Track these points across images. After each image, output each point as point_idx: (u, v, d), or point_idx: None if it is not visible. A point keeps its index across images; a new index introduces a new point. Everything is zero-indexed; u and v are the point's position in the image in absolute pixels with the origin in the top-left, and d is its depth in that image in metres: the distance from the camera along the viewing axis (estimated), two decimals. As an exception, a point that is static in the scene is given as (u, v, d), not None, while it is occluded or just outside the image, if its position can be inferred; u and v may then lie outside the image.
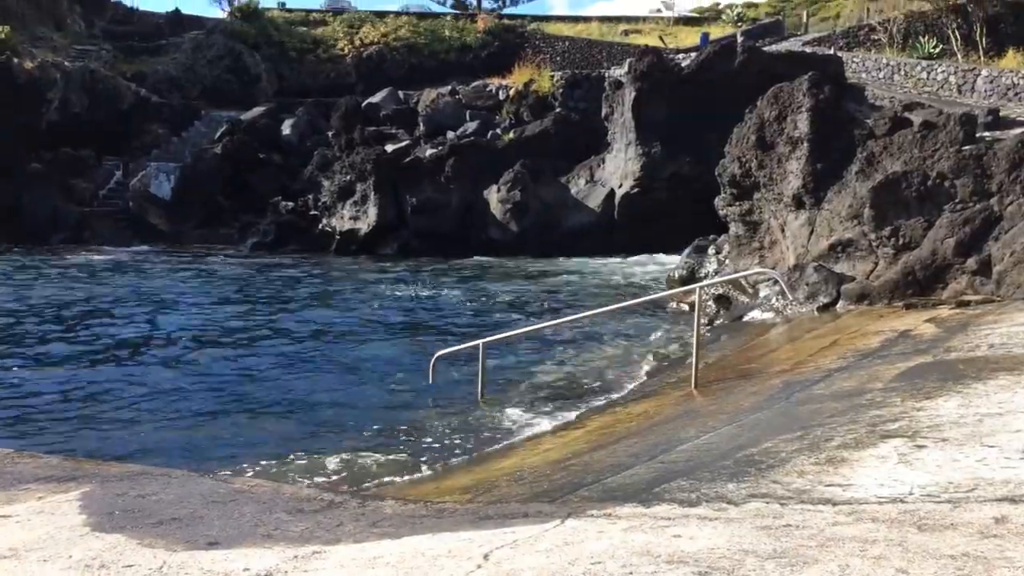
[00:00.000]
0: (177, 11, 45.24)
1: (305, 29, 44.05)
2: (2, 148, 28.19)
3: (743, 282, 13.46)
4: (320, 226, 27.80)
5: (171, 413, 9.55)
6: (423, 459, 7.78)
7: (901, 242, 11.66)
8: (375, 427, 8.88)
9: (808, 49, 29.88)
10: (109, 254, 25.30)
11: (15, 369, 11.50)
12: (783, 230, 14.04)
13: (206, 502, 4.21)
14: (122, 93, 33.57)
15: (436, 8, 53.22)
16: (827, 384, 7.09)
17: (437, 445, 8.22)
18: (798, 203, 13.51)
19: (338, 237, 26.91)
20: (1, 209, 27.62)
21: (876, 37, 31.45)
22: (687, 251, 17.44)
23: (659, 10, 51.09)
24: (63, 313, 15.58)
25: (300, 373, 11.51)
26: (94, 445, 8.29)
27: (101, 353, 12.58)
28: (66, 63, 32.48)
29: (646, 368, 11.33)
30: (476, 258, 23.82)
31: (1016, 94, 22.99)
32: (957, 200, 11.26)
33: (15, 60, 29.79)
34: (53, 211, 28.41)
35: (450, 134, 28.65)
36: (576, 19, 48.99)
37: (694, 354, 8.92)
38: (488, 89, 30.28)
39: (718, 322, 13.37)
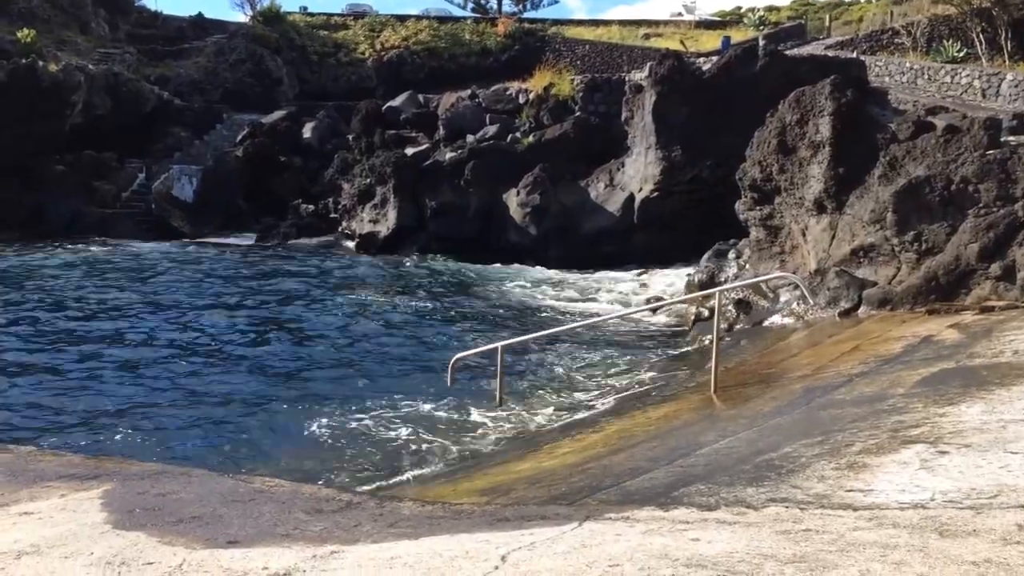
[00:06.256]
0: (200, 15, 45.66)
1: (326, 33, 44.27)
2: (26, 150, 28.50)
3: (763, 287, 13.39)
4: (340, 229, 28.03)
5: (191, 412, 9.62)
6: (441, 461, 7.80)
7: (924, 247, 11.55)
8: (394, 429, 8.90)
9: (831, 53, 29.69)
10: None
11: (37, 368, 11.61)
12: (804, 235, 13.95)
13: (226, 501, 4.24)
14: (145, 96, 33.88)
15: (456, 12, 53.39)
16: (848, 389, 7.04)
17: (455, 447, 8.24)
18: (820, 207, 13.43)
19: (357, 240, 27.08)
20: (24, 210, 27.93)
21: (899, 41, 31.22)
22: (707, 255, 17.38)
23: (680, 14, 50.91)
24: (81, 311, 15.71)
25: (317, 374, 11.57)
26: (115, 443, 8.36)
27: (121, 352, 12.67)
28: (90, 66, 32.78)
29: (665, 372, 11.29)
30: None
31: (1041, 98, 22.75)
32: (981, 205, 11.15)
33: (40, 63, 30.09)
34: (76, 213, 28.68)
35: (470, 137, 28.68)
36: (596, 23, 48.93)
37: (713, 358, 8.88)
38: (508, 93, 30.24)
39: (738, 327, 13.31)
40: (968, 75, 25.60)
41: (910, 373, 7.09)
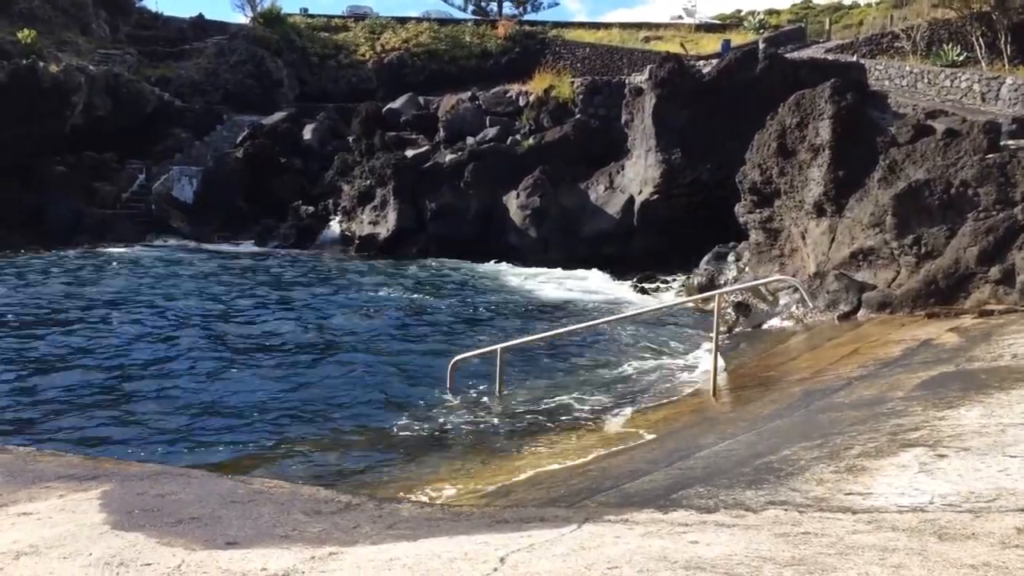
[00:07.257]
0: (201, 16, 45.71)
1: (327, 35, 44.32)
2: (26, 151, 28.51)
3: (763, 290, 13.40)
4: (340, 231, 28.10)
5: (191, 414, 9.61)
6: (440, 463, 7.78)
7: (923, 250, 11.56)
8: (393, 430, 8.89)
9: (830, 56, 29.71)
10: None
11: (36, 367, 11.60)
12: (804, 238, 13.96)
13: (225, 502, 4.24)
14: (146, 97, 33.91)
15: (457, 14, 53.51)
16: (847, 392, 7.04)
17: (454, 449, 8.23)
18: (819, 210, 13.44)
19: (357, 241, 27.14)
20: (25, 211, 27.93)
21: (899, 44, 31.26)
22: (707, 258, 17.38)
23: (680, 17, 50.95)
24: (81, 311, 15.70)
25: (318, 376, 11.54)
26: (115, 444, 8.35)
27: (122, 351, 12.66)
28: (90, 67, 32.80)
29: (664, 375, 11.29)
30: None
31: (1041, 102, 22.78)
32: (980, 208, 11.16)
33: (40, 64, 30.10)
34: (76, 214, 28.69)
35: (470, 140, 28.69)
36: (597, 25, 49.00)
37: (713, 361, 8.89)
38: (508, 95, 30.25)
39: (737, 330, 13.31)
40: (968, 79, 25.63)
41: (909, 376, 7.09)
